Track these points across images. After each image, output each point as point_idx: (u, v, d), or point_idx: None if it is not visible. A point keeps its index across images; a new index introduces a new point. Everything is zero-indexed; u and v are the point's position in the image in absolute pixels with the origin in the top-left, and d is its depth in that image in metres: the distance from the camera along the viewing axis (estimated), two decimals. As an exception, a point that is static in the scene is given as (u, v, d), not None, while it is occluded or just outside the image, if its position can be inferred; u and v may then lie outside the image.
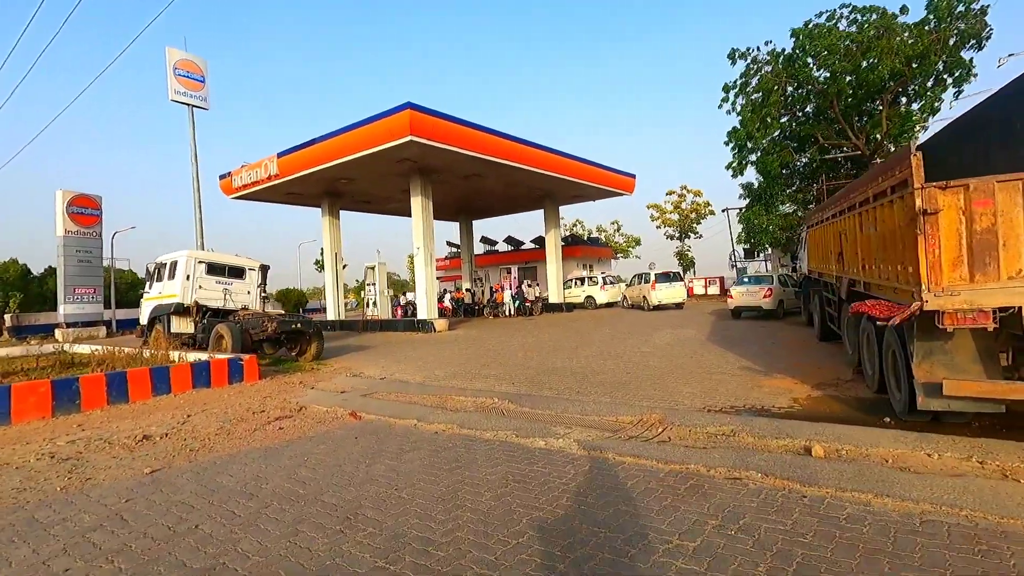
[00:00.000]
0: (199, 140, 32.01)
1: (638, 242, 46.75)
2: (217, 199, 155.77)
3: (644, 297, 23.26)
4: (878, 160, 19.48)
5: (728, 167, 22.60)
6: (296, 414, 7.34)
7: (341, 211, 26.86)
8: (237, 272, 14.32)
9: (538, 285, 28.79)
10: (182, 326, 13.25)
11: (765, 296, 16.21)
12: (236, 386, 9.39)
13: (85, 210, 29.17)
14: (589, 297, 27.62)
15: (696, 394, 7.15)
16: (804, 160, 21.70)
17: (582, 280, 28.57)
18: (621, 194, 26.51)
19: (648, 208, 41.09)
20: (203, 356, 10.30)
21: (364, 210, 27.90)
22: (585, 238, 41.57)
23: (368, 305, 21.58)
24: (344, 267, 24.03)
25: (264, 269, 14.79)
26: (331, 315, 23.51)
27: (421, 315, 19.80)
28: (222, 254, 14.43)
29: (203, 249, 34.43)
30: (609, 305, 27.81)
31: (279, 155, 20.07)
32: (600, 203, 29.38)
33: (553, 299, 26.81)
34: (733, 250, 32.93)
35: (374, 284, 21.50)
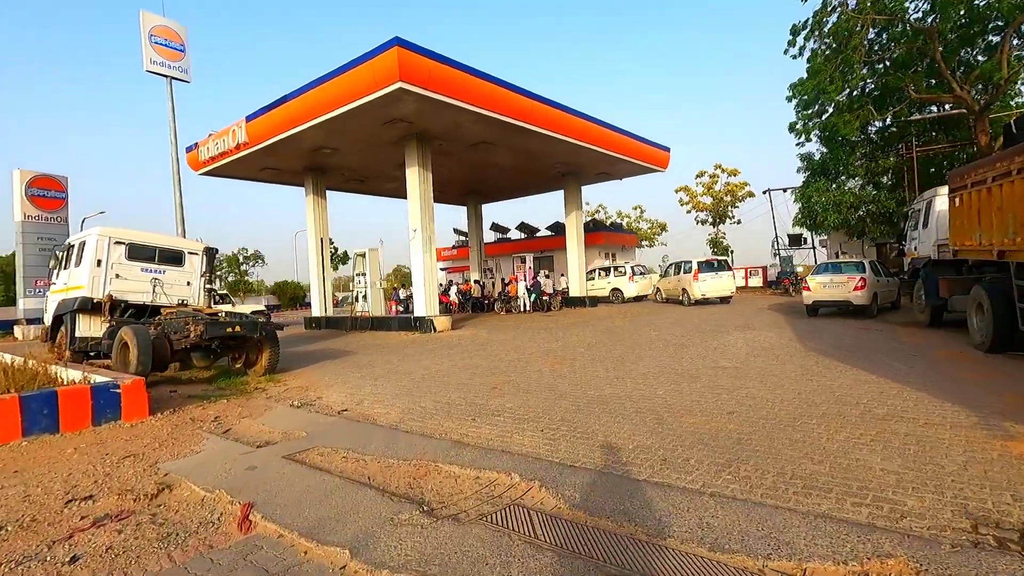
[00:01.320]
0: (180, 117, 28.82)
1: (663, 228, 42.87)
2: (204, 182, 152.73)
3: (684, 290, 19.63)
4: (988, 117, 15.62)
5: (791, 129, 18.87)
6: (144, 506, 3.93)
7: (330, 191, 23.49)
8: (171, 257, 10.96)
9: (563, 276, 25.27)
10: (91, 328, 9.91)
11: (857, 288, 12.56)
12: (105, 428, 6.01)
13: (48, 192, 26.08)
14: (616, 290, 24.04)
15: (913, 483, 3.61)
16: (882, 123, 17.85)
17: (607, 271, 24.97)
18: (654, 170, 22.82)
19: (677, 191, 37.23)
20: (99, 377, 6.94)
21: (357, 190, 24.46)
22: (608, 224, 37.64)
23: (357, 299, 18.25)
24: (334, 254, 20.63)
25: (210, 253, 11.42)
26: (316, 310, 20.16)
27: (419, 311, 16.38)
28: (150, 233, 11.08)
29: (184, 236, 31.35)
30: (638, 299, 24.22)
31: (247, 119, 16.67)
32: (613, 185, 25.66)
33: (574, 292, 23.25)
34: (776, 237, 29.08)
35: (364, 274, 18.14)
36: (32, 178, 25.50)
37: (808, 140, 18.89)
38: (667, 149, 22.90)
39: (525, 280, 21.95)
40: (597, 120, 18.56)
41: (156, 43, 29.23)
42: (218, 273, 63.68)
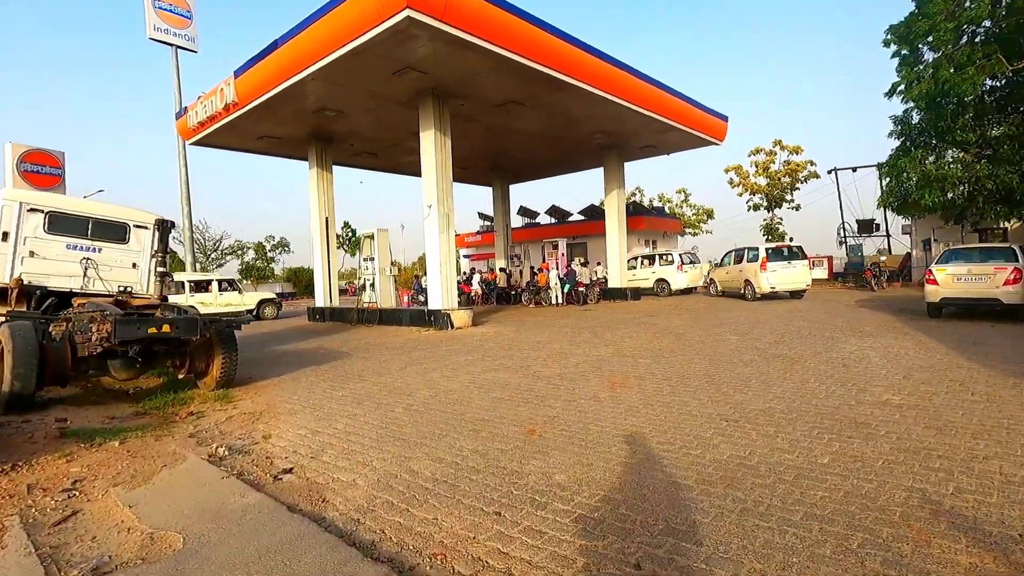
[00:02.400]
0: (186, 89, 26.75)
1: (710, 215, 39.22)
2: (213, 159, 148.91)
3: (748, 282, 16.54)
4: None
5: (892, 92, 15.53)
6: None
7: (340, 167, 21.05)
8: (110, 232, 8.48)
9: (599, 264, 22.36)
10: (-6, 322, 7.49)
11: (1009, 282, 9.40)
12: None
13: (42, 168, 24.14)
14: (662, 281, 21.02)
15: None
16: (1011, 75, 14.33)
17: (651, 259, 21.93)
18: (710, 142, 19.66)
19: (727, 171, 33.62)
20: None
21: (369, 165, 21.89)
22: (650, 207, 34.23)
23: (364, 288, 15.74)
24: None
25: (163, 227, 8.92)
26: (320, 300, 17.73)
27: (433, 303, 13.73)
28: (82, 200, 8.64)
29: (190, 220, 29.40)
30: (686, 291, 21.18)
31: (235, 74, 14.18)
32: (646, 166, 22.45)
33: (614, 282, 20.33)
34: (843, 223, 25.59)
35: (372, 259, 15.61)
36: (25, 152, 23.57)
37: (917, 105, 15.49)
38: (725, 118, 19.70)
39: (558, 268, 19.13)
40: (650, 79, 15.53)
41: (160, 8, 27.12)
42: (246, 260, 62.78)
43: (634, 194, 40.13)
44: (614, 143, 19.61)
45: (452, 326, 13.03)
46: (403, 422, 5.23)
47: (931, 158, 16.07)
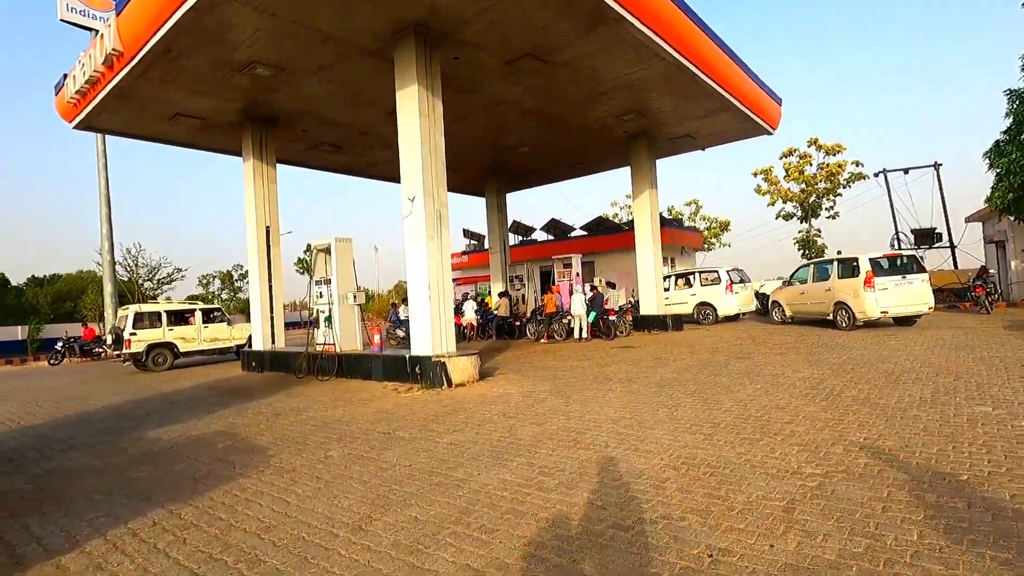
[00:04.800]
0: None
1: (725, 227, 35.24)
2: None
3: (841, 304, 12.27)
4: None
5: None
6: None
7: (292, 166, 16.47)
8: None
9: (611, 286, 17.92)
10: None
11: None
12: None
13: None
14: (705, 305, 16.69)
15: None
16: None
17: (687, 278, 17.63)
18: (763, 130, 15.67)
19: (755, 175, 29.75)
20: None
21: (332, 166, 17.25)
22: (673, 218, 29.77)
23: (319, 324, 10.94)
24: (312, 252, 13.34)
25: None
26: (258, 341, 12.85)
27: (419, 345, 9.03)
28: None
29: (110, 241, 24.10)
30: (734, 317, 16.90)
31: (117, 8, 9.65)
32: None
33: (648, 309, 15.92)
34: (897, 233, 21.86)
35: (327, 282, 10.87)
36: None
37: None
38: (779, 101, 15.80)
39: (582, 292, 14.62)
40: (710, 31, 11.45)
41: (76, -15, 22.52)
42: (209, 291, 56.23)
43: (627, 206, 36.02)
44: (644, 131, 15.46)
45: (449, 382, 8.35)
46: None
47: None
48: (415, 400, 7.72)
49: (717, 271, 16.73)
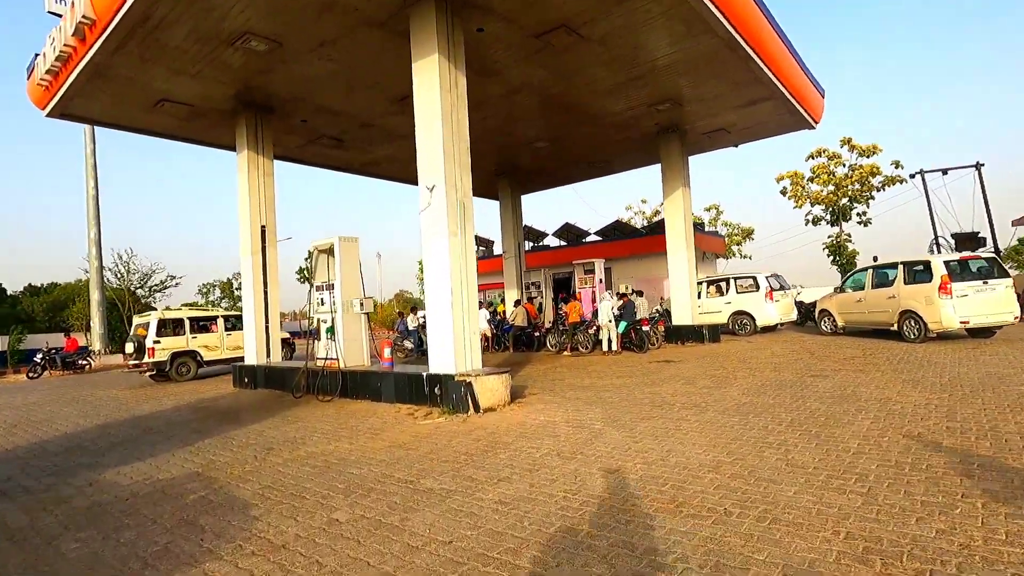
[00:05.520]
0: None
1: (749, 235, 33.81)
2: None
3: (908, 312, 10.87)
4: None
5: None
6: None
7: (289, 162, 15.21)
8: None
9: (632, 293, 16.48)
10: None
11: None
12: None
13: None
14: (741, 315, 15.29)
15: None
16: None
17: (719, 285, 16.24)
18: (805, 124, 14.35)
19: (779, 180, 28.38)
20: None
21: (334, 163, 15.89)
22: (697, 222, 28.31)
23: (322, 335, 9.48)
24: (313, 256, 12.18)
25: None
26: (251, 355, 11.44)
27: (438, 360, 7.60)
28: None
29: (98, 246, 22.71)
30: (771, 328, 15.49)
31: (89, -33, 8.35)
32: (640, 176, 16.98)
33: (681, 318, 14.53)
34: (936, 237, 20.50)
35: (330, 287, 9.47)
36: None
37: None
38: (823, 92, 14.52)
39: (612, 298, 13.23)
40: (763, 4, 10.17)
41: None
42: (209, 300, 54.61)
43: (657, 212, 34.55)
44: (676, 125, 14.17)
45: (476, 407, 6.94)
46: None
47: None
48: (438, 430, 6.30)
49: (755, 277, 15.35)
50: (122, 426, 8.06)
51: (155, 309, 29.90)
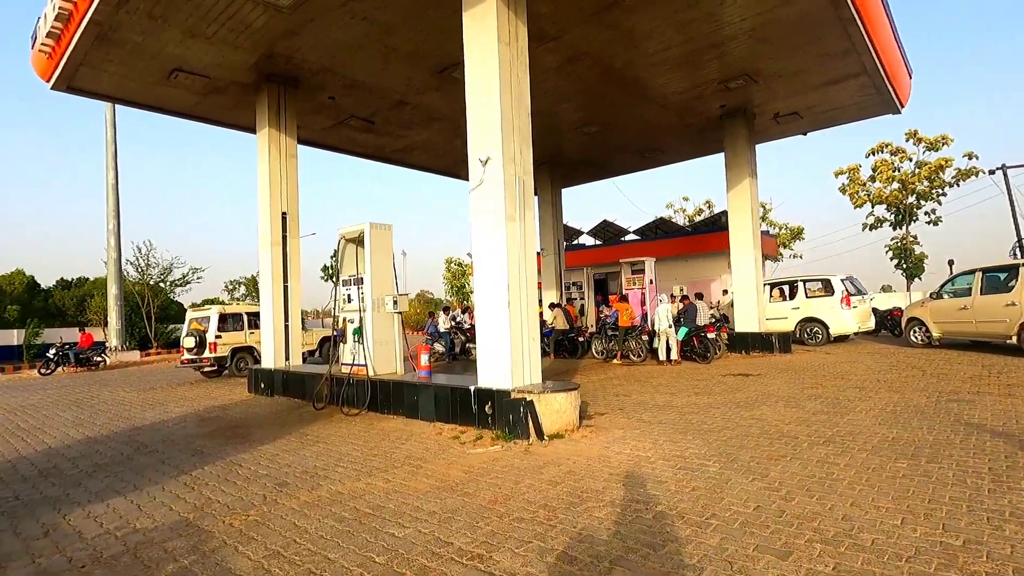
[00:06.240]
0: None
1: (798, 234, 31.66)
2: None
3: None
4: None
5: None
6: None
7: (313, 147, 14.03)
8: None
9: (686, 295, 14.93)
10: None
11: None
12: None
13: None
14: (811, 321, 13.64)
15: None
16: None
17: (783, 289, 14.58)
18: (891, 107, 12.66)
19: (837, 174, 26.33)
20: None
21: (361, 150, 14.63)
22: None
23: (348, 336, 8.20)
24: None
25: None
26: (268, 358, 10.21)
27: (491, 373, 6.21)
28: None
29: (117, 237, 21.93)
30: (842, 338, 13.79)
31: (88, -98, 7.20)
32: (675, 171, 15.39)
33: (746, 325, 12.95)
34: (1020, 239, 18.51)
35: (359, 281, 8.19)
36: None
37: None
38: (911, 73, 12.81)
39: (668, 301, 11.73)
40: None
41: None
42: (235, 298, 54.40)
43: (703, 209, 32.61)
44: (744, 108, 12.64)
45: (539, 433, 5.54)
46: None
47: None
48: (495, 464, 4.92)
49: (829, 279, 13.66)
50: (114, 441, 6.86)
51: (182, 305, 29.04)
